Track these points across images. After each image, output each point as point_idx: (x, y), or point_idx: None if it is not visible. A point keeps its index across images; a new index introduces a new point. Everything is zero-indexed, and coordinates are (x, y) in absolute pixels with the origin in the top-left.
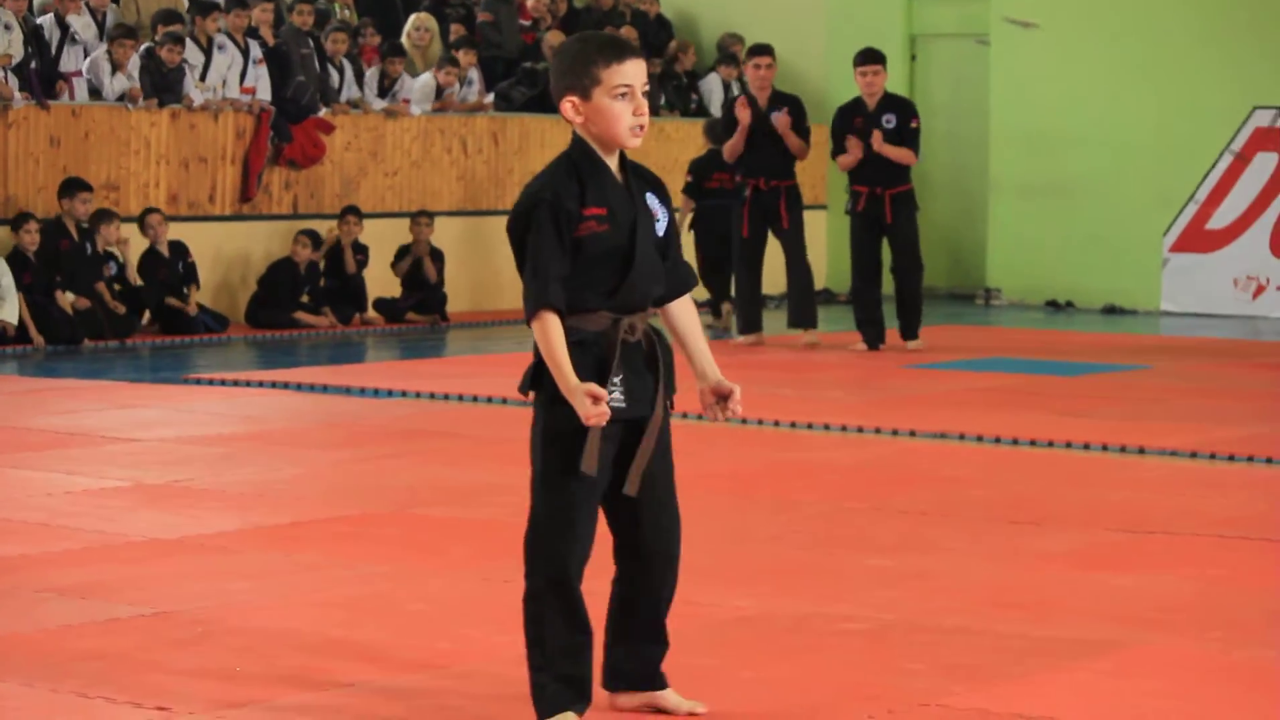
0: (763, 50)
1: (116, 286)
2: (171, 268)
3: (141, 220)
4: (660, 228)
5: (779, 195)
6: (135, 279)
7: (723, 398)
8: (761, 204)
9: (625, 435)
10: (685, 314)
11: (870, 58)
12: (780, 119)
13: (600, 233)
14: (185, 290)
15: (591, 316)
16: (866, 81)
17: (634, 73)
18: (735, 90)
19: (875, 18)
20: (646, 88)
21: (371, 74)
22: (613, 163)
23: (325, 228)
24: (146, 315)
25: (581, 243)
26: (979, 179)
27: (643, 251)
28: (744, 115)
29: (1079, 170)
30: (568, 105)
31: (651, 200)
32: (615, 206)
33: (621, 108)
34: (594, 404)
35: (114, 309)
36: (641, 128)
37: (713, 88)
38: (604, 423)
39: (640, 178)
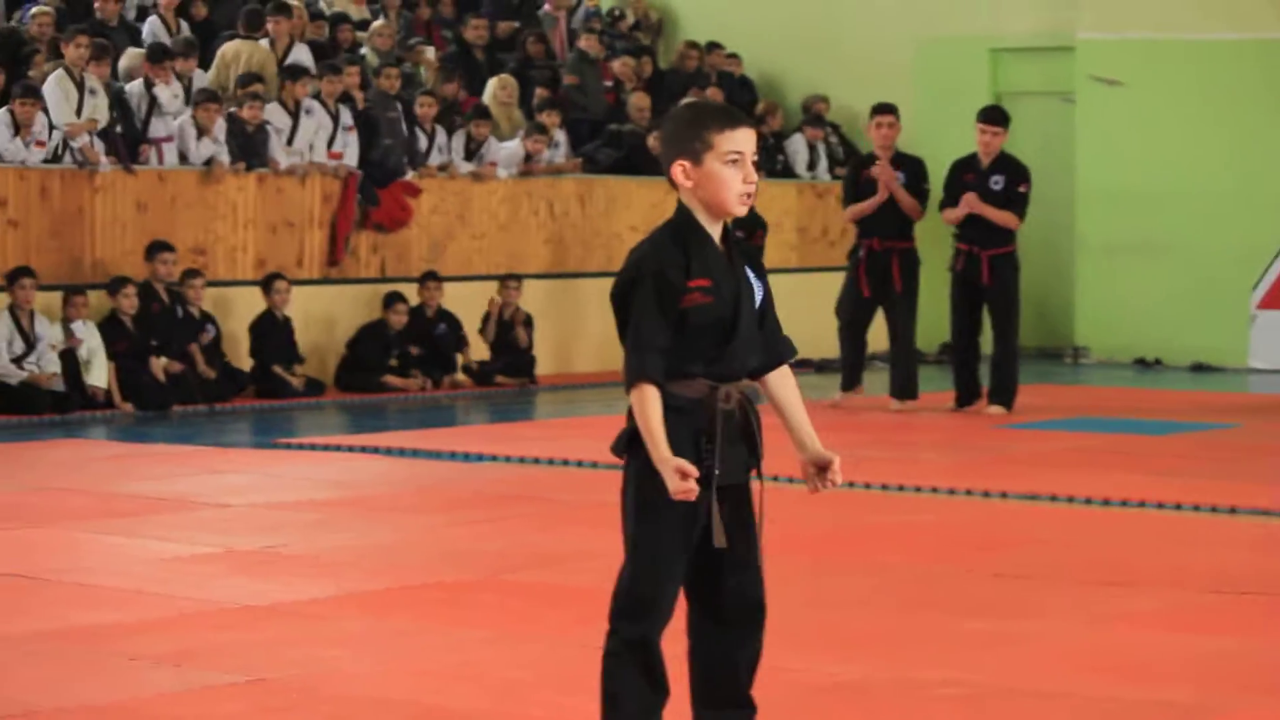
0: (885, 109)
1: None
2: (283, 336)
3: (267, 284)
4: (757, 298)
5: (891, 257)
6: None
7: (822, 468)
8: (875, 265)
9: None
10: (785, 385)
11: (991, 118)
12: (884, 171)
13: (704, 304)
14: (293, 366)
15: (690, 384)
16: (984, 140)
17: (745, 140)
18: (821, 151)
19: (961, 77)
20: (755, 156)
21: (458, 137)
22: (716, 232)
23: (412, 291)
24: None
25: (686, 314)
26: (1066, 237)
27: (744, 324)
28: (885, 176)
29: (1166, 227)
30: (678, 170)
31: (749, 272)
32: (719, 278)
33: (732, 174)
34: (682, 480)
35: (205, 374)
36: (749, 195)
37: (797, 149)
38: (692, 498)
39: (739, 250)
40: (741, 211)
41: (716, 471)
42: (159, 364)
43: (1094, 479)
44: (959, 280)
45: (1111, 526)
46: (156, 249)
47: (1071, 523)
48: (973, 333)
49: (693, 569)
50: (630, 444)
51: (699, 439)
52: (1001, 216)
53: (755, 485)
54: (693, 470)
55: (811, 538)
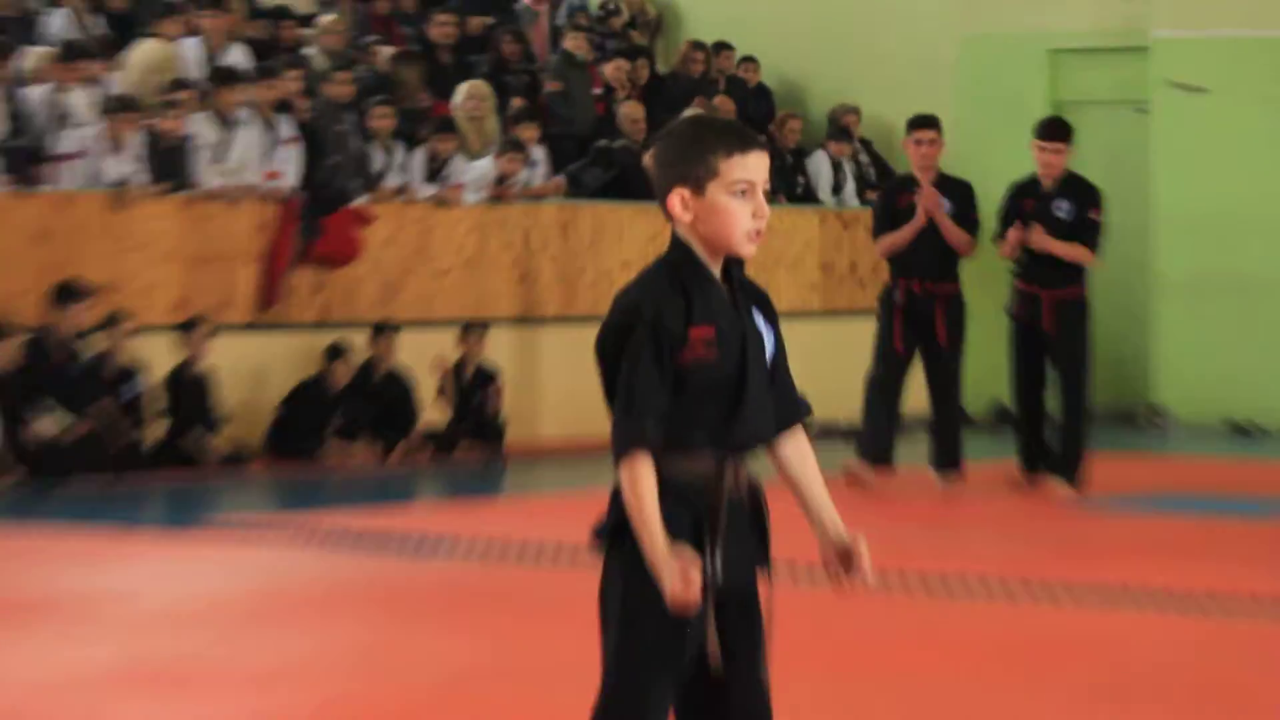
0: (926, 123)
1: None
2: (199, 396)
3: (187, 328)
4: (767, 349)
5: (934, 303)
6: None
7: (847, 559)
8: (915, 312)
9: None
10: (800, 453)
11: (1050, 133)
12: (930, 196)
13: (708, 360)
14: (215, 428)
15: (692, 458)
16: (1045, 159)
17: (757, 167)
18: (849, 171)
19: (1013, 83)
20: (768, 186)
21: (418, 155)
22: (717, 271)
23: (360, 340)
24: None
25: (686, 371)
26: (1139, 273)
27: (755, 381)
28: (928, 201)
29: (1260, 262)
30: (676, 199)
31: (757, 317)
32: (725, 326)
33: (739, 207)
34: (685, 587)
35: (115, 437)
36: (759, 232)
37: (820, 168)
38: (692, 613)
39: (745, 291)
40: (749, 252)
41: (719, 580)
42: (46, 424)
43: (1184, 573)
44: (1019, 328)
45: (1209, 635)
46: (68, 296)
47: (1158, 629)
48: (1037, 389)
49: (686, 687)
50: (616, 534)
51: (698, 532)
52: (1071, 251)
53: (763, 588)
54: (697, 576)
55: (836, 642)
